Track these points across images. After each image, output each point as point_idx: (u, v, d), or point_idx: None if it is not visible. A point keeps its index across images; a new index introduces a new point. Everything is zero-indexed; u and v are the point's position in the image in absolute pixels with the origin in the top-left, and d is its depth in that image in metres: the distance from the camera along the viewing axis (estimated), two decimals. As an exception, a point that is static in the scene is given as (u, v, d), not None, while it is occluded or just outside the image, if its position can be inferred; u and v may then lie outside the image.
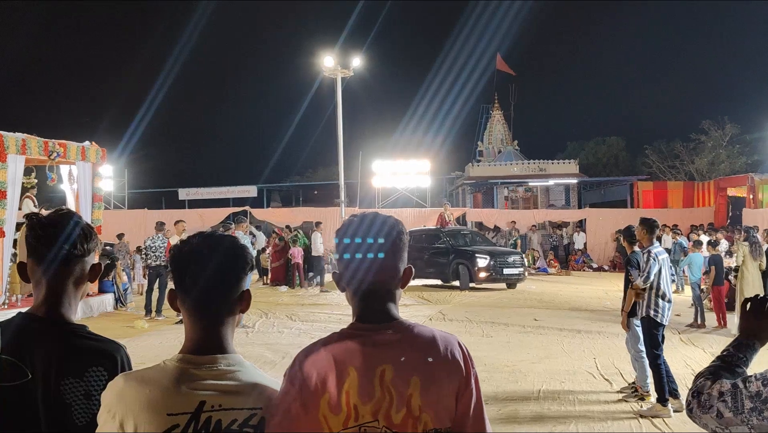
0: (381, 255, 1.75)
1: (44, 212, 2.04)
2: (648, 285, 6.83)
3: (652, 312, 6.78)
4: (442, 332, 1.76)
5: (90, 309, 13.07)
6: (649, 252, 6.86)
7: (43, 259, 1.90)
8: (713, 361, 1.97)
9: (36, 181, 13.32)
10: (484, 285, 18.47)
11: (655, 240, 7.07)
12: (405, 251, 1.81)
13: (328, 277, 21.03)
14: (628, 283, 7.29)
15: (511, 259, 18.74)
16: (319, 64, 23.12)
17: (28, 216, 2.00)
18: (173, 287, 1.73)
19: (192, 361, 1.63)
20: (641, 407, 6.86)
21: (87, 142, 14.12)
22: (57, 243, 1.89)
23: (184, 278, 1.68)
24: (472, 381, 1.72)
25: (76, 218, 1.97)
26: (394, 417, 1.63)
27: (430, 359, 1.68)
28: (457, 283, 18.61)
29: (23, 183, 12.27)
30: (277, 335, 11.05)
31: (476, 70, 45.49)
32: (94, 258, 2.00)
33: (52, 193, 20.60)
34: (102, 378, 1.81)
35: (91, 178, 14.25)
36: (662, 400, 6.69)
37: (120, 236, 18.53)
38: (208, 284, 1.66)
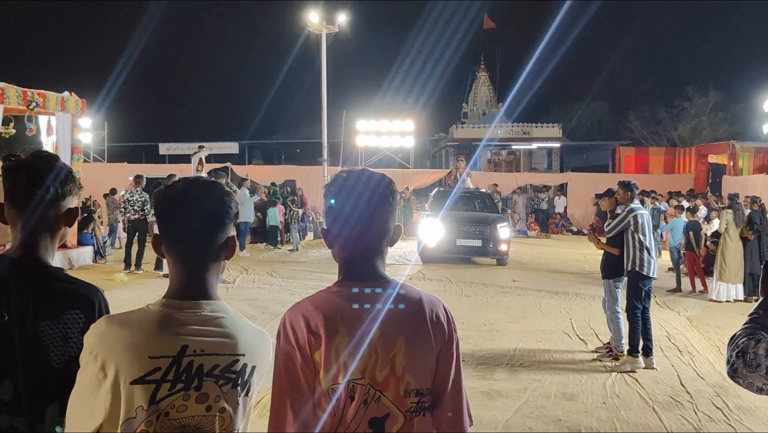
0: (371, 212, 1.72)
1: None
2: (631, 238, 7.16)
3: (638, 266, 7.09)
4: (428, 294, 1.77)
5: (69, 262, 13.01)
6: (631, 209, 7.24)
7: (17, 202, 1.88)
8: (746, 323, 2.01)
9: (14, 131, 13.11)
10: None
11: (636, 200, 7.41)
12: (396, 208, 1.79)
13: (309, 236, 21.07)
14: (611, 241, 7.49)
15: (471, 228, 14.71)
16: (305, 18, 22.75)
17: (5, 158, 1.97)
18: (157, 233, 1.71)
19: (176, 305, 1.62)
20: (615, 365, 7.03)
21: (66, 93, 13.87)
22: (31, 186, 1.87)
23: (169, 222, 1.66)
24: (454, 345, 1.74)
25: (53, 161, 1.94)
26: (378, 375, 1.64)
27: (416, 321, 1.69)
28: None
29: (1, 133, 12.08)
30: (257, 291, 11.09)
31: (460, 30, 45.10)
32: (71, 202, 1.97)
33: (30, 145, 20.29)
34: (79, 321, 1.81)
35: (71, 129, 14.04)
36: (633, 352, 7.01)
37: (113, 191, 18.34)
38: (193, 228, 1.65)
